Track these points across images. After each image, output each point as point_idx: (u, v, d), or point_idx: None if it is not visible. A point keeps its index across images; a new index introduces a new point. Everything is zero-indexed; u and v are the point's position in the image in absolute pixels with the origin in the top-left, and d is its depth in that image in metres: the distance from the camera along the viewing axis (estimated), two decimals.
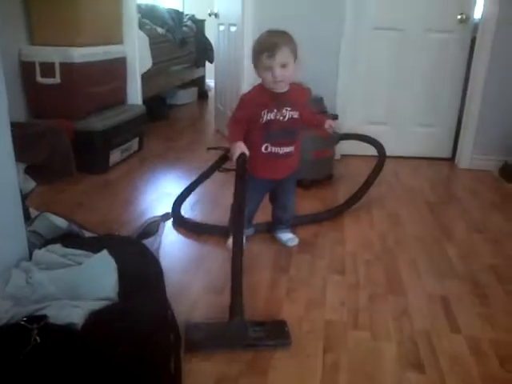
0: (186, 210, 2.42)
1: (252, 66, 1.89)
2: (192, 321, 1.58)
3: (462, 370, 1.42)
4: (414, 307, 1.73)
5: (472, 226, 2.42)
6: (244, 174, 1.82)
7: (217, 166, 2.35)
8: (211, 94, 5.45)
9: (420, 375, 1.39)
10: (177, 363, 1.33)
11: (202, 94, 5.93)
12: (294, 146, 1.99)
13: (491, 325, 1.64)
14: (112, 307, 1.18)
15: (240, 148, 1.85)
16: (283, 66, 1.80)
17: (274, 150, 1.95)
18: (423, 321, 1.65)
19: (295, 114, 1.93)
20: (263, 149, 1.94)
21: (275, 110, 1.89)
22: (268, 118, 1.89)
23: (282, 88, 1.88)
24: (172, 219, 2.34)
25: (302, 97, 2.02)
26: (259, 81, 1.91)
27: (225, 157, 2.24)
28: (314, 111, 2.11)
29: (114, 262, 1.27)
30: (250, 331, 1.51)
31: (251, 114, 1.90)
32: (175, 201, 2.41)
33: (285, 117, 1.91)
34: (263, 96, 1.89)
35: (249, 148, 1.95)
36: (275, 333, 1.53)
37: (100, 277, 1.24)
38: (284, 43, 1.80)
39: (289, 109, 1.91)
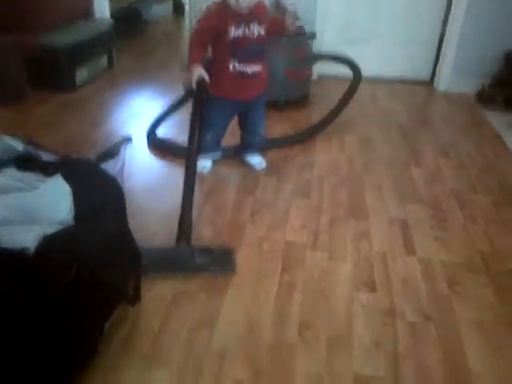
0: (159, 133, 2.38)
1: None
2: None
3: (411, 289, 1.49)
4: (374, 230, 1.77)
5: (441, 151, 2.43)
6: (201, 100, 1.78)
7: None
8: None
9: (370, 294, 1.46)
10: (136, 283, 1.37)
11: (178, 8, 5.58)
12: (261, 65, 1.93)
13: (445, 248, 1.70)
14: (66, 230, 1.17)
15: (199, 72, 1.80)
16: None
17: (242, 68, 1.89)
18: (381, 243, 1.70)
19: (262, 30, 1.86)
20: (231, 67, 1.88)
21: (243, 26, 1.81)
22: (236, 34, 1.81)
23: (245, 10, 1.79)
24: (146, 142, 2.32)
25: (265, 12, 1.93)
26: None
27: None
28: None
29: (68, 186, 1.25)
30: (196, 256, 1.53)
31: (217, 26, 1.82)
32: (151, 124, 2.37)
33: (254, 34, 1.84)
34: (228, 12, 1.80)
35: (216, 68, 1.90)
36: (221, 259, 1.56)
37: (54, 201, 1.23)
38: None
39: (256, 25, 1.83)
